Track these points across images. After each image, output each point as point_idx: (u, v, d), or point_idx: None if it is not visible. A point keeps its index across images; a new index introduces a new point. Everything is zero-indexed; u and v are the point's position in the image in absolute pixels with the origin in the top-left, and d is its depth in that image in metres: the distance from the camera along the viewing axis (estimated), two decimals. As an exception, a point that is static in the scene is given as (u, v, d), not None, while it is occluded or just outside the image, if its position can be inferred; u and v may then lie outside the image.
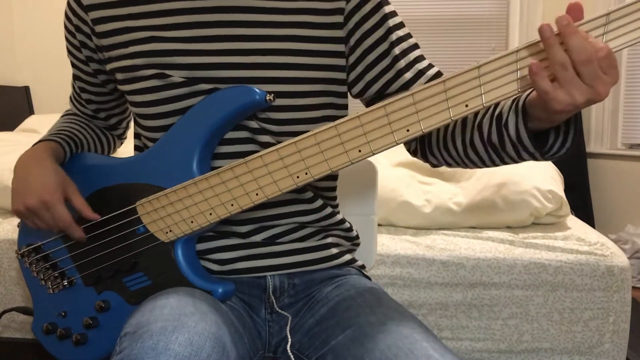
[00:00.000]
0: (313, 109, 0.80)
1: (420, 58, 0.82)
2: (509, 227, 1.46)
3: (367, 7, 0.79)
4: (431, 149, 0.81)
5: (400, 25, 0.82)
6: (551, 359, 1.34)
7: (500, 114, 0.69)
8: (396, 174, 1.57)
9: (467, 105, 0.63)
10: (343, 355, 0.68)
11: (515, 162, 0.73)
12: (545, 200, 1.41)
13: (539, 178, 1.46)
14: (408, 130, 0.65)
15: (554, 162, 1.69)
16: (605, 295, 1.31)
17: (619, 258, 1.33)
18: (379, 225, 1.46)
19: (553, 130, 0.68)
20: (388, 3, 0.81)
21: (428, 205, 1.44)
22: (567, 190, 1.57)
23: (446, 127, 0.77)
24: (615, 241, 2.22)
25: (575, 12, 0.59)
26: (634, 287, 2.17)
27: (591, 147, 3.02)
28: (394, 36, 0.80)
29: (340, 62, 0.81)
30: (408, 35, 0.82)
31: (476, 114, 0.72)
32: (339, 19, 0.79)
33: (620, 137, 2.96)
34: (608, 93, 0.59)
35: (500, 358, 1.34)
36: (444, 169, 1.60)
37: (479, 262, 1.33)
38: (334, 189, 0.89)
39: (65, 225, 0.79)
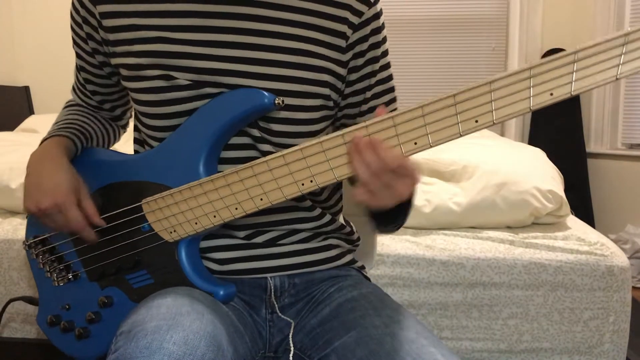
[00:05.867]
0: (313, 109, 0.79)
1: (390, 102, 0.85)
2: (509, 227, 1.46)
3: (366, 45, 0.80)
4: None
5: (386, 66, 0.84)
6: (551, 359, 1.34)
7: None
8: (396, 174, 1.56)
9: (477, 121, 0.62)
10: (347, 357, 0.68)
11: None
12: (545, 200, 1.41)
13: (539, 178, 1.45)
14: (415, 144, 0.65)
15: (554, 162, 1.69)
16: (605, 295, 1.31)
17: (619, 258, 1.33)
18: (379, 225, 1.45)
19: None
20: (386, 40, 0.83)
21: (428, 205, 1.44)
22: (567, 190, 1.57)
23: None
24: (615, 241, 2.21)
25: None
26: (634, 287, 2.17)
27: (591, 147, 3.02)
28: (373, 80, 0.82)
29: (342, 71, 0.81)
30: (388, 78, 0.85)
31: None
32: (342, 40, 0.80)
33: (620, 137, 2.96)
34: (411, 191, 0.66)
35: (500, 358, 1.34)
36: (444, 168, 1.61)
37: (479, 262, 1.33)
38: (331, 198, 0.89)
39: (79, 229, 0.78)
